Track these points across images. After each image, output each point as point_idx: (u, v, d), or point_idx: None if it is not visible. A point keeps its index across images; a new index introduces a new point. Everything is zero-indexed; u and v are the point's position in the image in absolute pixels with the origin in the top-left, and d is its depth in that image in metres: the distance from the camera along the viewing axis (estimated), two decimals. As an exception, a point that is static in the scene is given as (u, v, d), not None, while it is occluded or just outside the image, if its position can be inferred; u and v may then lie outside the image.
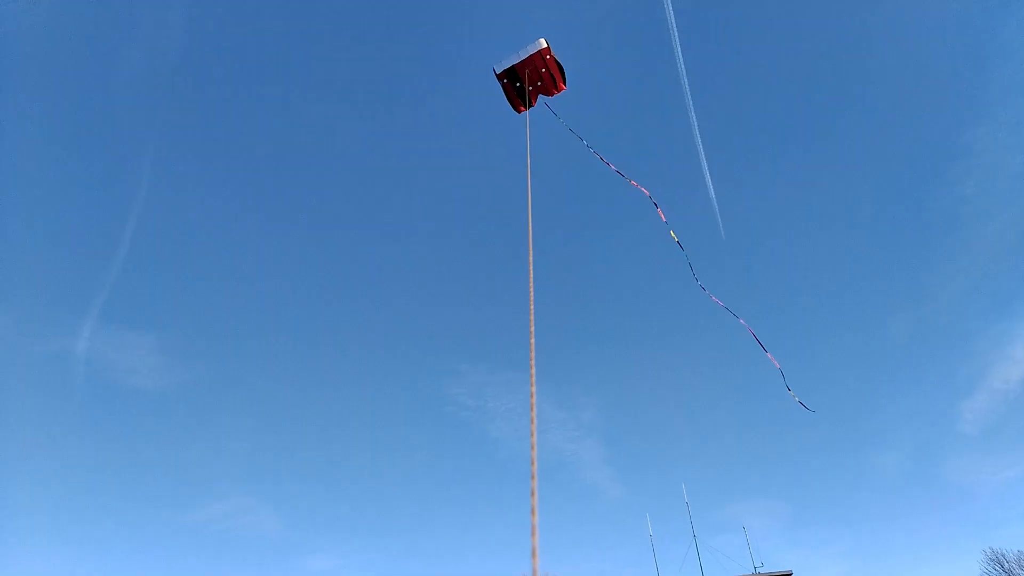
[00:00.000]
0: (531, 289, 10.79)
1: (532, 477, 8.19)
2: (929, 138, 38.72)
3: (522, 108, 18.50)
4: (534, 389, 8.73)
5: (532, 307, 10.38)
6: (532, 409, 8.74)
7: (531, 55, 17.53)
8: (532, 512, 7.94)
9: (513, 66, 17.77)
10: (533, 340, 9.62)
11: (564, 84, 18.15)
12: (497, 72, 17.85)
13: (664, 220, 18.47)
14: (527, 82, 17.96)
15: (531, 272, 11.09)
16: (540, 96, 18.31)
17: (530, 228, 12.16)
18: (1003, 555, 35.68)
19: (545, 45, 17.48)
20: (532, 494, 8.14)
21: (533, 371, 8.94)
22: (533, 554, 7.70)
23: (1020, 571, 34.29)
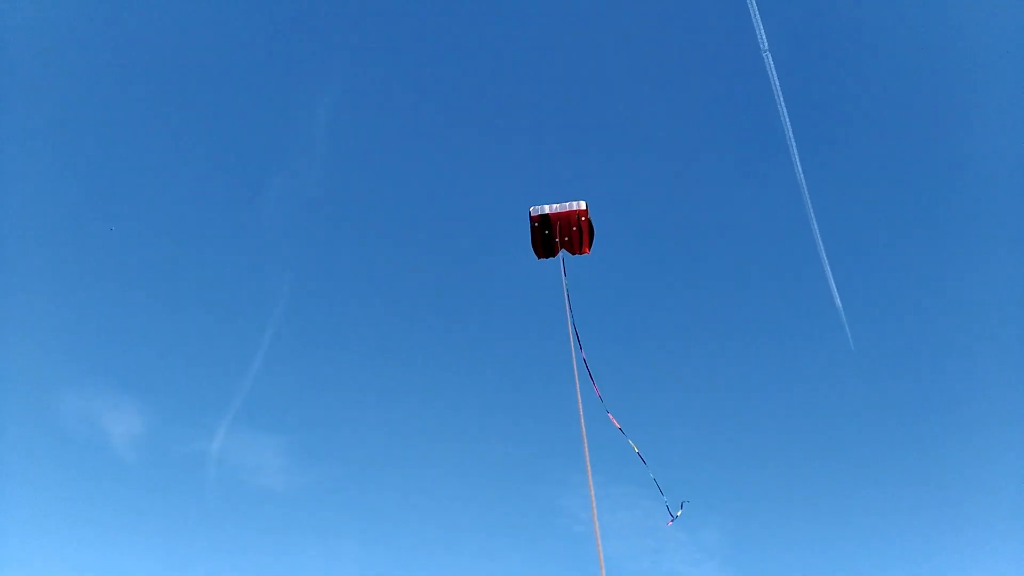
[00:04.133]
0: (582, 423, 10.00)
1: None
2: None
3: (542, 255, 18.61)
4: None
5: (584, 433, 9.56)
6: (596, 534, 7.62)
7: (570, 210, 17.93)
8: None
9: (549, 214, 18.11)
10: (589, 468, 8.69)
11: (589, 248, 18.43)
12: (533, 214, 18.12)
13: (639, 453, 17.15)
14: (557, 233, 18.21)
15: (582, 416, 10.31)
16: (562, 251, 18.50)
17: (575, 364, 11.55)
18: None
19: (585, 207, 17.95)
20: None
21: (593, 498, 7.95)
22: None
23: None
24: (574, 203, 17.92)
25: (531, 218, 18.11)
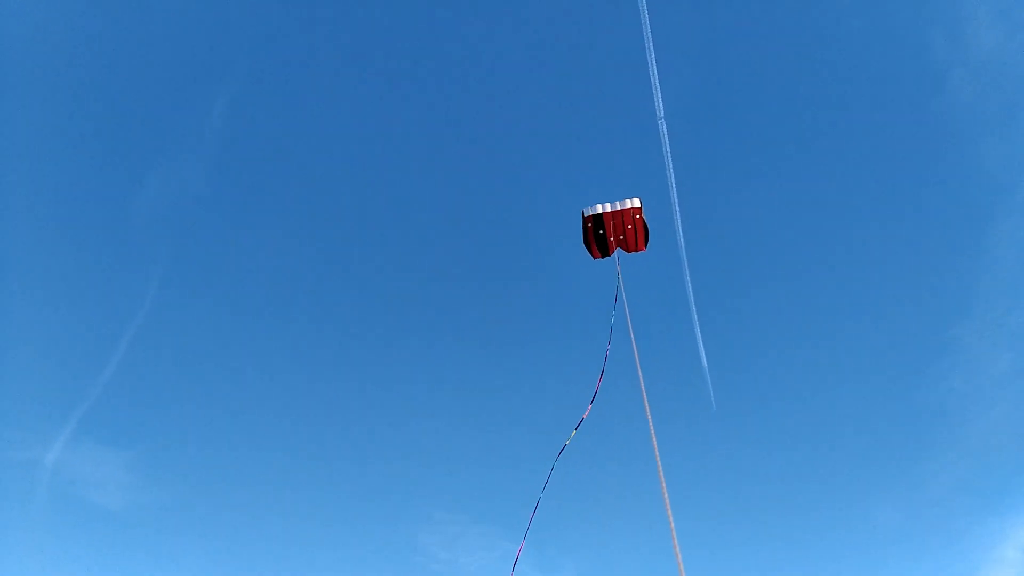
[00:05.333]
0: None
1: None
2: (918, 331, 39.46)
3: (597, 254, 18.65)
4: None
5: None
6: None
7: (623, 209, 17.94)
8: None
9: (601, 214, 18.16)
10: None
11: (645, 245, 18.36)
12: (585, 215, 18.21)
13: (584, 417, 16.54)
14: (610, 233, 18.23)
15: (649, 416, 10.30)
16: (618, 250, 18.49)
17: (641, 378, 11.56)
18: None
19: (639, 204, 17.92)
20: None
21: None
22: None
23: None
24: (627, 201, 17.95)
25: (584, 219, 18.21)
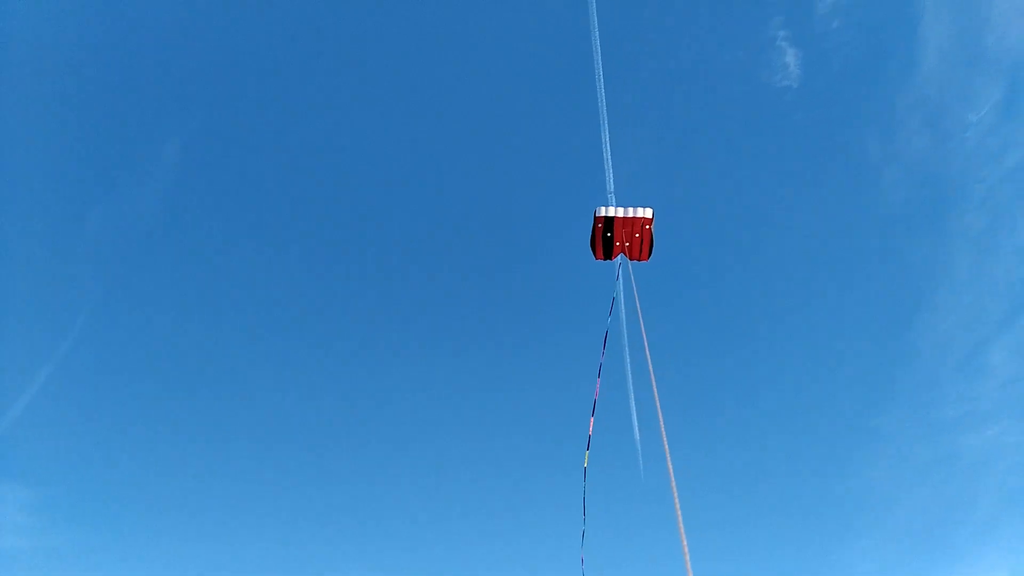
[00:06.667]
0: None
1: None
2: (842, 421, 41.28)
3: (600, 256, 19.11)
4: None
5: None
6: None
7: (635, 217, 18.50)
8: None
9: (613, 217, 18.67)
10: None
11: (648, 256, 18.92)
12: (597, 215, 18.69)
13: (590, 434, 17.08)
14: (617, 237, 18.74)
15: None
16: (620, 256, 18.99)
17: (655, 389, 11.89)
18: None
19: (651, 216, 18.51)
20: None
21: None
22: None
23: None
24: (640, 209, 18.51)
25: (595, 218, 18.68)
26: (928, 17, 36.35)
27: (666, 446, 10.66)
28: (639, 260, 18.93)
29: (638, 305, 16.63)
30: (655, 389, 12.63)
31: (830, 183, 40.76)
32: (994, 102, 35.79)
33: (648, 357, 14.14)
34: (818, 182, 40.68)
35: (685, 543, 8.97)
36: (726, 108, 40.62)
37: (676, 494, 9.48)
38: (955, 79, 36.88)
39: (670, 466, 10.37)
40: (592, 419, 16.24)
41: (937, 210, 39.67)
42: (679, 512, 9.04)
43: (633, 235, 18.70)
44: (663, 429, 11.22)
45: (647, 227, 18.58)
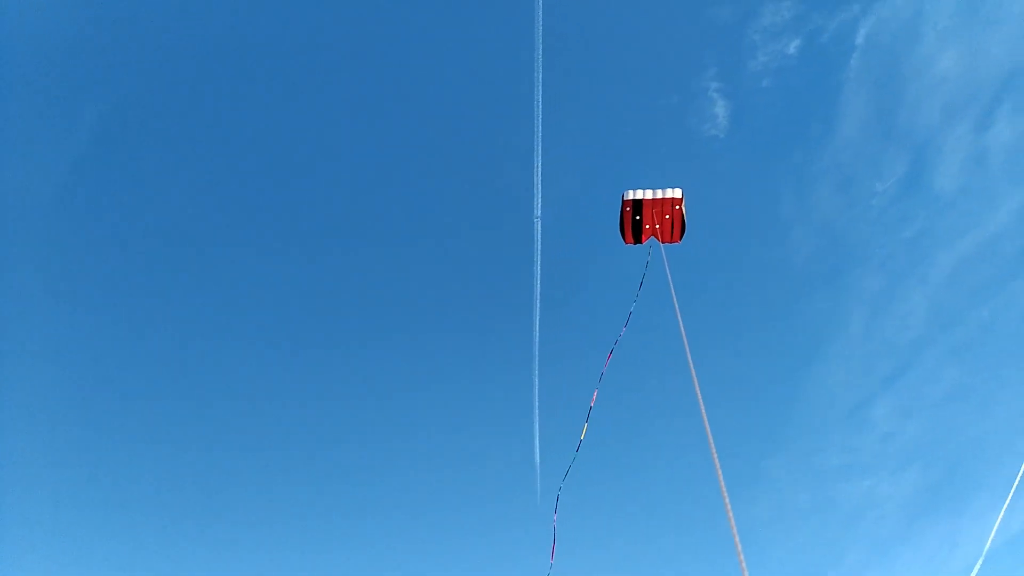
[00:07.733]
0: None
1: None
2: (734, 462, 41.80)
3: (630, 240, 18.49)
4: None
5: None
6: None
7: (664, 198, 17.84)
8: None
9: (641, 200, 18.04)
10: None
11: (680, 238, 18.24)
12: (625, 198, 18.07)
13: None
14: (647, 220, 18.10)
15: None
16: (652, 238, 18.35)
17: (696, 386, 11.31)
18: None
19: (680, 195, 17.83)
20: None
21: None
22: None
23: None
24: (669, 190, 17.85)
25: (623, 202, 18.09)
26: (849, 87, 37.24)
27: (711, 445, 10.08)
28: (671, 243, 18.26)
29: (672, 289, 15.98)
30: (696, 384, 12.01)
31: (742, 233, 41.27)
32: (899, 176, 36.98)
33: (685, 343, 13.50)
34: (730, 232, 41.18)
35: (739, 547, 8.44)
36: (659, 148, 41.31)
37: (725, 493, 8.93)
38: (867, 149, 37.89)
39: (717, 465, 9.80)
40: (595, 392, 16.21)
41: (838, 269, 40.56)
42: (730, 514, 8.49)
43: (664, 216, 18.04)
44: (706, 424, 10.65)
45: (677, 207, 17.90)
